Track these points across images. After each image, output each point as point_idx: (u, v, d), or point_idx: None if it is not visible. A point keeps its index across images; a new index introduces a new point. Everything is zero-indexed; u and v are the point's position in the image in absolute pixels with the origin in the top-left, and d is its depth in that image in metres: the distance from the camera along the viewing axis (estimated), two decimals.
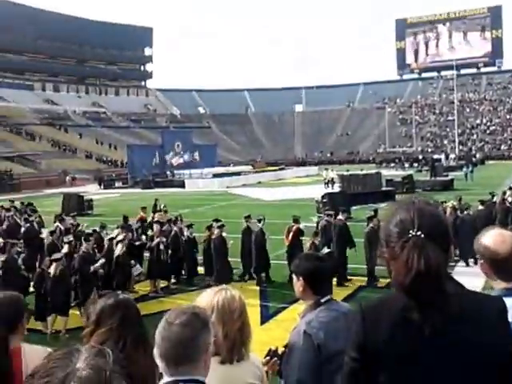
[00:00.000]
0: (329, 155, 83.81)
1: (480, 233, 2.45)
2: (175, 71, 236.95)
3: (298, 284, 2.92)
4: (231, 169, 56.27)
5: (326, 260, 3.41)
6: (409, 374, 1.59)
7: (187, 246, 12.97)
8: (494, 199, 17.46)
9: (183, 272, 13.15)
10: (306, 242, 12.12)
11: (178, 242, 13.06)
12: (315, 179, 44.69)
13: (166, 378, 1.81)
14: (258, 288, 12.06)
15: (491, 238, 2.33)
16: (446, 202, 14.92)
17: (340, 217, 12.96)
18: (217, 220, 13.13)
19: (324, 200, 22.03)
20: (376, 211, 12.98)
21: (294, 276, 2.99)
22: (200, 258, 13.11)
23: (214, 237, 12.28)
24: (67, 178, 53.88)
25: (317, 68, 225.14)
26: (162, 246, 12.43)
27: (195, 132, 71.28)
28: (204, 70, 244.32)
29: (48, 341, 8.66)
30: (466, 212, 14.52)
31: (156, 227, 13.10)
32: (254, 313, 9.81)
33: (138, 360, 2.05)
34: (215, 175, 48.26)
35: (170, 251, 12.68)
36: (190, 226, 13.45)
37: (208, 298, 2.44)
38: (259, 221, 12.97)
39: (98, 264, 10.79)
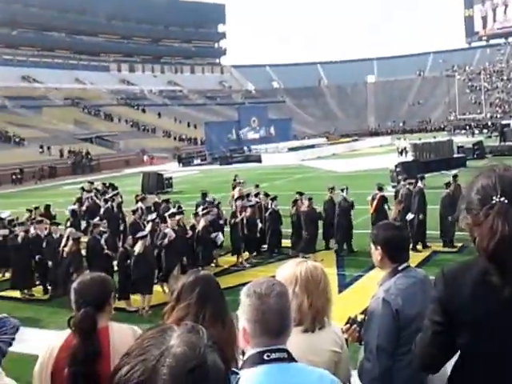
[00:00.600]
0: (401, 124, 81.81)
1: None
2: (249, 47, 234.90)
3: (376, 253, 2.81)
4: (306, 142, 54.50)
5: (403, 229, 3.32)
6: (489, 336, 1.58)
7: (271, 218, 12.30)
8: None
9: (265, 245, 12.51)
10: (391, 209, 11.94)
11: (259, 215, 12.65)
12: (388, 149, 43.58)
13: (254, 350, 1.73)
14: (335, 257, 11.68)
15: None
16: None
17: (420, 184, 12.21)
18: (300, 193, 12.55)
19: (397, 169, 21.73)
20: (455, 176, 12.38)
21: (372, 245, 2.86)
22: (285, 230, 12.55)
23: (303, 209, 11.70)
24: (145, 157, 52.47)
25: (386, 38, 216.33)
26: (244, 221, 11.94)
27: (270, 107, 68.13)
28: (277, 45, 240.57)
29: (132, 319, 7.82)
30: None
31: (238, 203, 12.52)
32: (331, 281, 9.95)
33: (216, 334, 2.00)
34: (290, 149, 46.57)
35: (253, 225, 12.22)
36: (274, 199, 12.78)
37: (290, 269, 2.39)
38: (342, 190, 12.45)
39: (214, 234, 11.07)
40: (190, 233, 10.77)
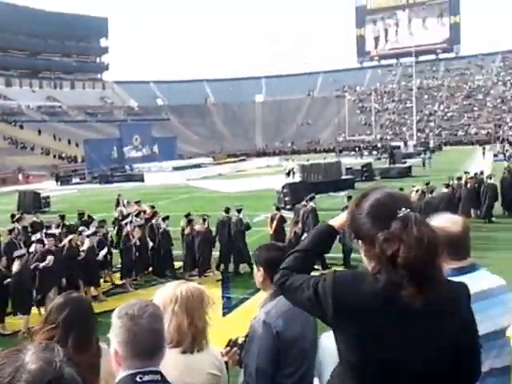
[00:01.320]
0: (289, 145, 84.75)
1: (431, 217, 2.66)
2: (132, 63, 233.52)
3: (258, 274, 2.98)
4: (191, 161, 56.44)
5: (286, 249, 3.61)
6: (384, 348, 1.67)
7: (163, 238, 12.93)
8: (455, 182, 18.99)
9: (153, 267, 13.09)
10: (287, 230, 12.79)
11: (154, 236, 13.14)
12: (276, 170, 45.24)
13: (125, 372, 1.81)
14: (220, 279, 12.37)
15: (443, 220, 2.51)
16: (414, 186, 16.45)
17: (311, 204, 13.30)
18: (188, 214, 13.26)
19: (285, 190, 22.57)
20: (350, 197, 13.04)
21: (254, 266, 3.04)
22: (176, 252, 13.18)
23: (198, 229, 12.52)
24: (20, 175, 53.31)
25: (276, 57, 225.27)
26: (138, 242, 12.42)
27: (154, 124, 71.67)
28: (162, 61, 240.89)
29: (7, 341, 8.56)
30: (430, 195, 15.87)
31: (130, 223, 13.06)
32: (217, 304, 10.03)
33: (78, 361, 2.23)
34: (175, 168, 48.40)
35: (146, 245, 12.76)
36: (165, 219, 13.31)
37: (170, 290, 2.51)
38: (238, 211, 13.22)
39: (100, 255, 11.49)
40: (82, 254, 11.18)
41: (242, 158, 62.64)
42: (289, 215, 15.45)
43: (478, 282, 2.42)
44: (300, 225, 12.62)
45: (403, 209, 1.66)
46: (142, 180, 44.68)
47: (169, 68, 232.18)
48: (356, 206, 1.77)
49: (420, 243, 1.58)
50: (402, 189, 15.52)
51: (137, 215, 14.26)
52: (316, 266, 11.18)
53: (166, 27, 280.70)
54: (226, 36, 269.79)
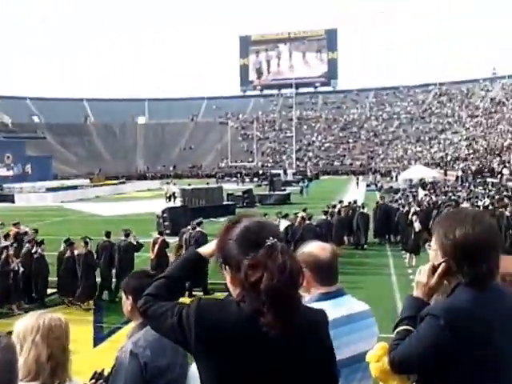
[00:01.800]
0: (172, 169, 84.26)
1: (305, 244, 2.79)
2: (7, 77, 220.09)
3: (127, 303, 2.91)
4: (67, 182, 54.53)
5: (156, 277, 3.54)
6: (240, 363, 1.69)
7: (38, 264, 12.36)
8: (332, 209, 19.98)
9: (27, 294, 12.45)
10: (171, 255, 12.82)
11: (28, 261, 12.40)
12: (157, 193, 44.96)
13: None
14: (93, 308, 12.04)
15: (314, 247, 2.65)
16: (297, 213, 17.23)
17: (199, 229, 13.49)
18: (68, 240, 12.73)
19: (164, 215, 22.39)
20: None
21: (123, 295, 2.96)
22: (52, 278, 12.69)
23: (79, 252, 12.27)
24: None
25: (160, 80, 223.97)
26: (16, 267, 11.79)
27: (28, 143, 68.90)
28: (40, 77, 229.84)
29: None
30: (308, 221, 16.61)
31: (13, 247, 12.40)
32: (87, 334, 9.82)
33: None
34: (49, 189, 46.65)
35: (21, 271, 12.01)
36: (41, 243, 12.62)
37: (32, 319, 2.41)
38: (126, 235, 13.08)
39: None
40: None
41: (122, 180, 61.61)
42: (171, 240, 15.29)
43: (343, 306, 2.55)
44: (184, 250, 12.48)
45: (271, 238, 1.70)
46: (13, 201, 42.65)
47: (47, 85, 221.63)
48: (226, 232, 1.81)
49: (283, 272, 1.63)
50: (265, 214, 16.41)
51: (15, 238, 13.71)
52: None
53: (44, 42, 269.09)
54: (109, 56, 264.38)
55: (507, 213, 18.82)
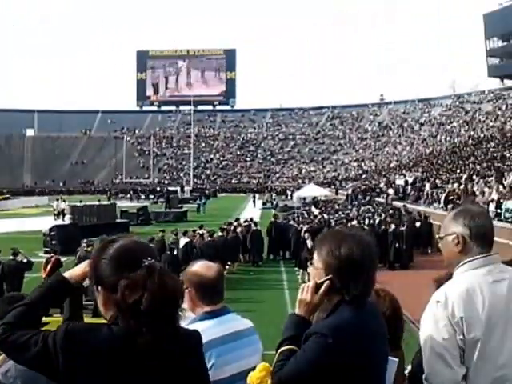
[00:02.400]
0: (62, 184, 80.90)
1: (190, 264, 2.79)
2: None
3: None
4: None
5: None
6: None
7: None
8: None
9: None
10: None
11: None
12: (45, 210, 43.10)
13: None
14: None
15: (199, 266, 2.67)
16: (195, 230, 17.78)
17: (86, 248, 13.28)
18: None
19: (52, 233, 21.53)
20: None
21: None
22: None
23: None
24: None
25: (52, 91, 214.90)
26: None
27: None
28: None
29: None
30: (209, 238, 17.19)
31: None
32: None
33: None
34: None
35: None
36: None
37: None
38: (15, 254, 12.57)
39: None
40: None
41: (7, 195, 58.08)
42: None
43: (227, 324, 2.57)
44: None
45: (149, 258, 1.71)
46: None
47: None
48: (100, 252, 1.78)
49: (163, 292, 1.64)
50: (162, 230, 16.27)
51: None
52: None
53: None
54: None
55: (391, 229, 20.04)
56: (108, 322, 1.71)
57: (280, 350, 2.02)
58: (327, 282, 2.00)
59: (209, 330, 2.38)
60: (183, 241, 17.04)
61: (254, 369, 2.18)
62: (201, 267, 2.66)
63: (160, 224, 31.31)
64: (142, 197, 60.54)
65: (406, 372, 2.58)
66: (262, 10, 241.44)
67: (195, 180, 78.95)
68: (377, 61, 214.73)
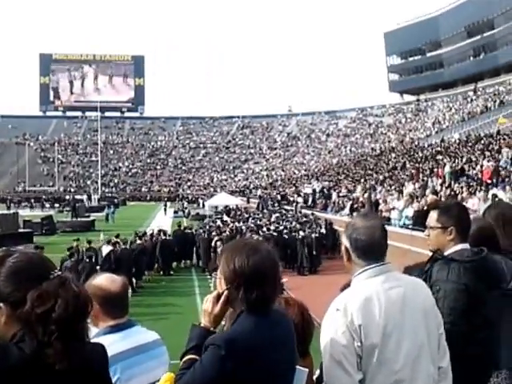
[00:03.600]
0: None
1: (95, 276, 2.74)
2: None
3: None
4: None
5: None
6: None
7: None
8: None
9: None
10: None
11: None
12: None
13: None
14: None
15: (103, 279, 2.62)
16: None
17: None
18: None
19: None
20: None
21: None
22: None
23: None
24: None
25: None
26: None
27: None
28: None
29: None
30: (124, 246, 16.86)
31: None
32: None
33: None
34: None
35: None
36: None
37: None
38: None
39: None
40: None
41: None
42: None
43: (133, 338, 2.57)
44: None
45: (56, 271, 1.69)
46: None
47: None
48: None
49: (76, 301, 1.62)
50: (77, 239, 15.76)
51: None
52: None
53: None
54: None
55: (300, 236, 20.65)
56: (10, 341, 1.61)
57: (183, 359, 2.04)
58: (226, 291, 2.02)
59: (113, 344, 2.34)
60: (106, 249, 16.73)
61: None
62: (105, 280, 2.61)
63: (66, 233, 30.30)
64: (47, 205, 58.03)
65: (314, 377, 2.63)
66: (174, 16, 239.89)
67: (103, 188, 76.83)
68: (285, 73, 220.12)
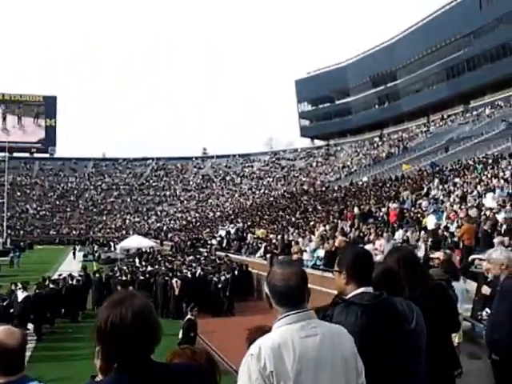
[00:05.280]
0: None
1: None
2: None
3: None
4: None
5: None
6: None
7: None
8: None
9: None
10: None
11: None
12: None
13: None
14: None
15: (1, 332, 2.45)
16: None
17: None
18: None
19: None
20: None
21: None
22: None
23: None
24: None
25: None
26: None
27: None
28: None
29: None
30: (37, 291, 16.63)
31: None
32: None
33: None
34: None
35: None
36: None
37: None
38: None
39: None
40: None
41: None
42: None
43: None
44: None
45: None
46: None
47: None
48: None
49: None
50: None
51: None
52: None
53: None
54: None
55: (215, 278, 20.48)
56: None
57: None
58: (99, 347, 1.92)
59: None
60: (21, 294, 15.88)
61: None
62: (4, 333, 2.42)
63: None
64: None
65: None
66: (88, 55, 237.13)
67: (9, 231, 72.90)
68: (201, 116, 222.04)
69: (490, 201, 20.67)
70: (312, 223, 30.18)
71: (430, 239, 16.89)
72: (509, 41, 57.86)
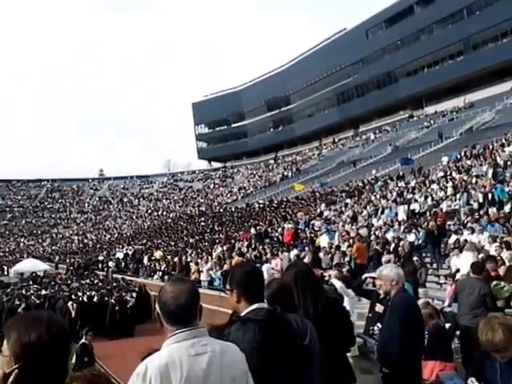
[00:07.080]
0: None
1: None
2: None
3: None
4: None
5: None
6: None
7: None
8: None
9: None
10: None
11: None
12: None
13: None
14: None
15: None
16: None
17: None
18: None
19: None
20: None
21: None
22: None
23: None
24: None
25: None
26: None
27: None
28: None
29: None
30: None
31: None
32: None
33: None
34: None
35: None
36: None
37: None
38: None
39: None
40: None
41: None
42: None
43: None
44: None
45: None
46: None
47: None
48: None
49: None
50: None
51: None
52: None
53: None
54: None
55: (112, 301, 19.91)
56: None
57: None
58: (16, 371, 1.74)
59: None
60: None
61: None
62: None
63: None
64: None
65: None
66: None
67: None
68: (97, 137, 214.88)
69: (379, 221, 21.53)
70: (210, 244, 30.23)
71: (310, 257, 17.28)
72: (393, 69, 61.98)
